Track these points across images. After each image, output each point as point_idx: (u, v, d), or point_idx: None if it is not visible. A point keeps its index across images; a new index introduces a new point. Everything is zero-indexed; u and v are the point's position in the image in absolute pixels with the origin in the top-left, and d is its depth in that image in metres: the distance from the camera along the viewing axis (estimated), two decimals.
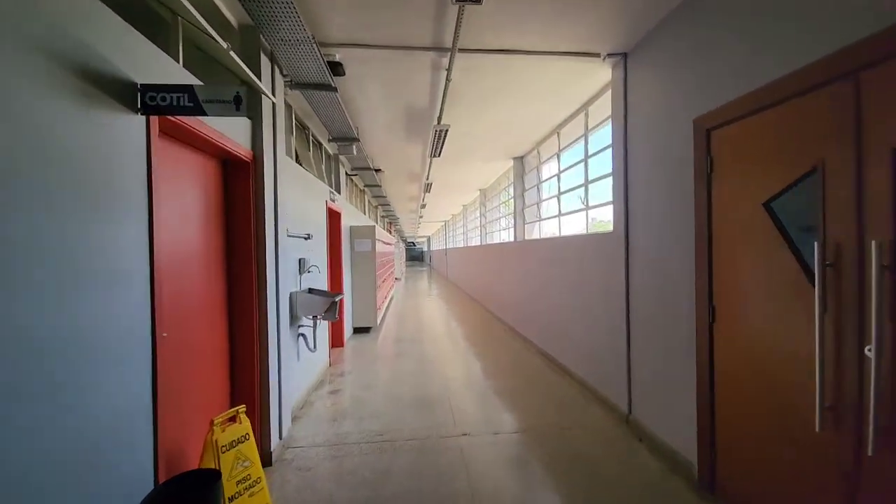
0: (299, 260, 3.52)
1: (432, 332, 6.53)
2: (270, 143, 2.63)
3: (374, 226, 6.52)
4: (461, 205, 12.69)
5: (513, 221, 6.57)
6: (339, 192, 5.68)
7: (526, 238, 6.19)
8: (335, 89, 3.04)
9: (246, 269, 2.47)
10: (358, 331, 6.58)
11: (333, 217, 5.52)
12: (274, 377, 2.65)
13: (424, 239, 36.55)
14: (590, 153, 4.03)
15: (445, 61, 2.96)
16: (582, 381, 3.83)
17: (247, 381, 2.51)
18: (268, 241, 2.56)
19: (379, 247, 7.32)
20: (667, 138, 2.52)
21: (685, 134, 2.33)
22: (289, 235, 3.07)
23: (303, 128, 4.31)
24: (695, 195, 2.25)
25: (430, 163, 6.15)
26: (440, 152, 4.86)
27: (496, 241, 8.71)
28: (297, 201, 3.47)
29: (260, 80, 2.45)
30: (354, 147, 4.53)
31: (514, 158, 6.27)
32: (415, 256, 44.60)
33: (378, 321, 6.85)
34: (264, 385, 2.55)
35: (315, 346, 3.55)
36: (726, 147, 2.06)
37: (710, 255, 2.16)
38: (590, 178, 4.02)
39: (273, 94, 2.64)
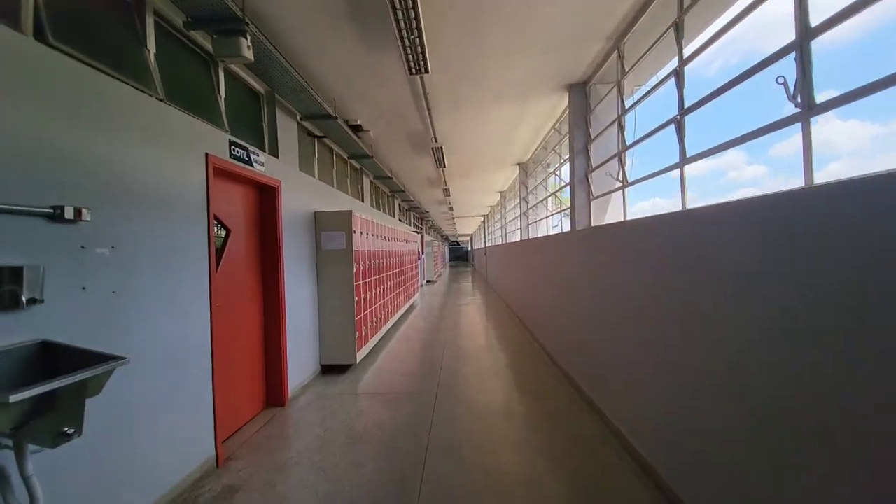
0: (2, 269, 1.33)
1: (439, 377, 4.13)
2: None
3: (351, 211, 4.26)
4: (497, 192, 10.15)
5: (567, 202, 3.98)
6: (277, 156, 3.49)
7: (593, 224, 3.59)
8: None
9: None
10: (329, 370, 4.37)
11: (266, 193, 3.34)
12: None
13: (468, 238, 34.46)
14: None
15: None
16: None
17: None
18: None
19: (370, 243, 5.06)
20: None
21: None
22: None
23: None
24: None
25: (427, 102, 3.77)
26: (424, 61, 2.46)
27: (542, 233, 6.11)
28: None
29: None
30: (244, 44, 2.28)
31: (571, 86, 3.68)
32: (459, 256, 43.57)
33: (363, 355, 4.59)
34: None
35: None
36: None
37: None
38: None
39: None
